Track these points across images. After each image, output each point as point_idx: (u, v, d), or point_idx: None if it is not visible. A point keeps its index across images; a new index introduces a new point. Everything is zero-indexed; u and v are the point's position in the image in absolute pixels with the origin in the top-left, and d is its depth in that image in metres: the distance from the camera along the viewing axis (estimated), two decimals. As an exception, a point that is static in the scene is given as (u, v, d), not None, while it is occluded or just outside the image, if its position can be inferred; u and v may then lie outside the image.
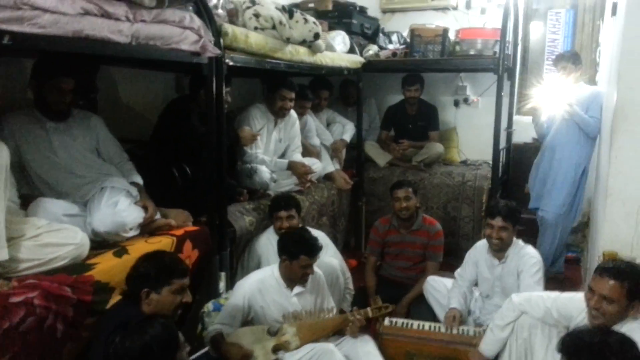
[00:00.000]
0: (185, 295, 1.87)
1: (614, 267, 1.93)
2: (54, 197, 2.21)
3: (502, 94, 3.99)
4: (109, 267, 1.99)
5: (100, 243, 2.18)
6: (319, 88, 4.18)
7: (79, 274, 1.87)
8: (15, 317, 1.63)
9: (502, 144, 4.36)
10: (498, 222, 2.71)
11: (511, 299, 2.33)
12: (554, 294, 2.27)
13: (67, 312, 1.77)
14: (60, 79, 2.24)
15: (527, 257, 2.73)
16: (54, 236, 1.92)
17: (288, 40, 2.99)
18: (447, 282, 3.07)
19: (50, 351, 1.75)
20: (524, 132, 4.78)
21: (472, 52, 4.16)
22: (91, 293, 1.86)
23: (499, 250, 2.77)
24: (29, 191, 2.23)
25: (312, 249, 2.40)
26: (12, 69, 2.48)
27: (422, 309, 3.09)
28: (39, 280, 1.77)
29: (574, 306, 2.09)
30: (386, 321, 2.71)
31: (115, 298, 1.97)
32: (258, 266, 2.86)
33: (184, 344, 1.57)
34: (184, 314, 2.56)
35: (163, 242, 2.27)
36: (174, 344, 1.51)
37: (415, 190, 3.38)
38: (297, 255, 2.38)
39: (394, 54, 4.44)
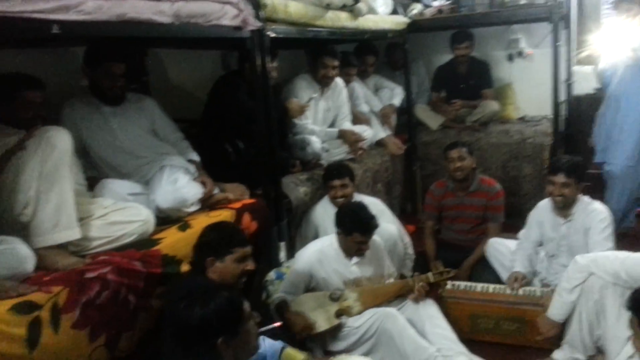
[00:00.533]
0: (248, 263, 1.93)
1: None
2: (118, 178, 2.31)
3: (559, 43, 3.78)
4: (175, 241, 2.07)
5: (164, 219, 2.27)
6: (365, 54, 4.10)
7: (147, 249, 1.96)
8: (92, 292, 1.72)
9: (562, 96, 4.15)
10: (560, 178, 2.58)
11: (576, 260, 2.23)
12: (623, 254, 2.15)
13: (138, 284, 1.86)
14: (110, 64, 2.32)
15: (594, 213, 2.60)
16: (120, 214, 2.01)
17: (328, 7, 2.94)
18: (509, 243, 2.98)
19: (125, 321, 1.85)
20: (584, 82, 4.51)
21: (523, 2, 3.94)
22: (160, 266, 1.95)
23: (563, 207, 2.66)
24: (93, 174, 2.34)
25: (367, 227, 2.38)
26: (65, 59, 2.57)
27: (484, 272, 3.03)
28: (110, 256, 1.87)
29: None
30: (448, 285, 2.68)
31: (185, 268, 2.05)
32: (315, 236, 2.89)
33: (251, 314, 1.57)
34: (249, 283, 2.65)
35: (223, 215, 2.32)
36: (235, 316, 1.50)
37: (470, 151, 3.27)
38: (350, 232, 2.38)
39: (440, 11, 4.27)
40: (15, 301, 1.53)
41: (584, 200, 2.67)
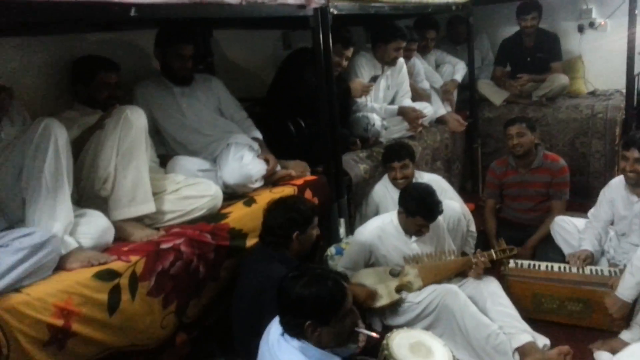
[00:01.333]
0: (317, 229, 2.09)
1: None
2: (187, 155, 2.43)
3: (636, 12, 3.54)
4: (241, 216, 2.17)
5: (231, 195, 2.37)
6: (425, 28, 4.01)
7: (217, 222, 2.07)
8: (166, 262, 1.85)
9: (638, 69, 3.90)
10: (634, 153, 2.46)
11: None
12: None
13: (208, 255, 1.97)
14: (180, 45, 2.43)
15: None
16: (192, 189, 2.13)
17: (391, -19, 2.90)
18: (577, 221, 2.88)
19: (195, 290, 1.97)
20: (662, 54, 4.22)
21: (597, -33, 3.71)
22: (228, 239, 2.05)
23: (636, 184, 2.54)
24: (164, 152, 2.48)
25: (431, 213, 2.37)
26: (138, 42, 2.71)
27: (549, 250, 2.96)
28: (183, 229, 1.99)
29: None
30: (511, 263, 2.64)
31: (251, 242, 2.15)
32: (376, 214, 2.89)
33: (355, 314, 1.63)
34: (312, 258, 2.73)
35: (286, 192, 2.40)
36: (329, 308, 1.53)
37: (533, 126, 3.16)
38: (414, 214, 2.37)
39: (507, -19, 4.10)
40: (98, 269, 1.66)
41: None
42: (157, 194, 2.06)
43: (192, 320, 1.99)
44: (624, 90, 3.80)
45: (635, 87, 3.91)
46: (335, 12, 2.55)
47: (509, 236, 3.08)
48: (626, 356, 1.20)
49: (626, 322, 2.26)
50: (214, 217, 2.12)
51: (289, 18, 2.46)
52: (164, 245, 1.87)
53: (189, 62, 2.48)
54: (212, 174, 2.35)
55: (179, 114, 2.49)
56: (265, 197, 2.31)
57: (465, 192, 4.35)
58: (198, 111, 2.52)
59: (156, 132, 2.47)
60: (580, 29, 4.52)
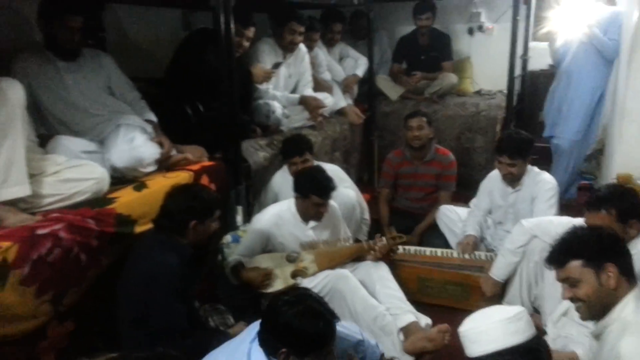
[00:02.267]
0: (216, 224, 2.01)
1: (597, 198, 1.94)
2: (71, 136, 2.26)
3: (518, 18, 3.86)
4: (130, 201, 2.06)
5: (120, 179, 2.25)
6: (332, 21, 4.07)
7: (101, 207, 1.95)
8: (43, 248, 1.71)
9: (518, 71, 4.26)
10: (505, 159, 2.69)
11: (521, 223, 2.36)
12: (565, 219, 2.29)
13: (91, 242, 1.86)
14: (67, 16, 2.23)
15: (542, 182, 2.73)
16: (74, 172, 1.99)
17: (294, -31, 2.90)
18: (460, 210, 3.11)
19: (75, 277, 1.85)
20: (540, 58, 4.66)
21: (486, -25, 3.99)
22: (113, 225, 1.94)
23: (511, 182, 2.79)
24: (46, 131, 2.28)
25: (324, 190, 2.42)
26: (19, 11, 2.46)
27: (434, 237, 3.16)
28: (63, 213, 1.85)
29: None
30: (400, 249, 2.78)
31: (140, 228, 2.06)
32: (274, 202, 2.90)
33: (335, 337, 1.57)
34: (207, 247, 2.67)
35: (181, 177, 2.32)
36: (326, 340, 1.49)
37: (430, 121, 3.35)
38: (308, 194, 2.41)
39: (405, -20, 4.28)
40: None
41: (533, 170, 2.79)
42: (34, 176, 1.89)
43: (68, 307, 1.86)
44: (506, 91, 4.13)
45: (515, 88, 4.26)
46: (238, -7, 2.50)
47: (400, 224, 3.25)
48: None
49: (498, 302, 2.48)
50: (98, 201, 1.99)
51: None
52: (40, 231, 1.73)
53: (76, 35, 2.29)
54: (99, 157, 2.20)
55: (62, 91, 2.30)
56: (158, 182, 2.22)
57: (362, 183, 4.51)
58: (85, 89, 2.34)
59: (36, 109, 2.26)
60: (470, 32, 4.84)
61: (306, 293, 1.61)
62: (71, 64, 2.34)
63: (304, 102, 3.43)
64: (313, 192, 2.40)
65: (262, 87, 3.22)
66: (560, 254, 1.53)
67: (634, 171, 2.77)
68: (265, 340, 1.50)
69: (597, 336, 1.50)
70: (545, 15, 4.07)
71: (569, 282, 1.51)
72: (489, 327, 1.31)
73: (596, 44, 3.58)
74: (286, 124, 3.33)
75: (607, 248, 1.48)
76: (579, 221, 2.13)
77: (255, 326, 1.58)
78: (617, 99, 3.35)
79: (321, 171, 2.48)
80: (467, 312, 2.49)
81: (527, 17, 4.51)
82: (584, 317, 1.53)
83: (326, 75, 3.95)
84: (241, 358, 1.50)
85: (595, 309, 1.49)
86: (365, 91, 4.44)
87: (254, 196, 2.98)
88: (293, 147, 2.91)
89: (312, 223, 2.53)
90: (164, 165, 2.41)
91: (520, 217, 2.70)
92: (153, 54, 3.20)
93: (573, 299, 1.52)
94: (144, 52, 3.22)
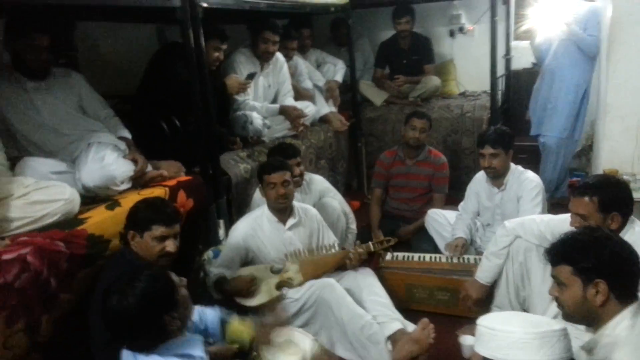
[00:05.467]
0: (168, 244, 1.85)
1: (583, 184, 1.90)
2: (42, 157, 2.21)
3: (496, 18, 3.85)
4: (102, 220, 2.00)
5: (93, 198, 2.19)
6: (299, 27, 4.02)
7: (71, 229, 1.89)
8: (10, 274, 1.65)
9: (501, 71, 4.24)
10: (487, 150, 2.68)
11: (504, 224, 2.32)
12: (547, 217, 2.25)
13: (61, 265, 1.79)
14: (34, 35, 2.19)
15: (526, 182, 2.70)
16: (42, 193, 1.92)
17: (266, -22, 2.87)
18: (448, 214, 3.07)
19: (45, 305, 1.78)
20: (522, 57, 4.66)
21: (463, -24, 3.98)
22: (85, 246, 1.88)
23: (495, 177, 2.75)
24: (17, 153, 2.22)
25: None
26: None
27: (424, 242, 3.12)
28: (31, 237, 1.79)
29: (568, 227, 2.06)
30: (387, 255, 2.73)
31: (114, 248, 1.99)
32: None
33: (180, 280, 1.56)
34: (188, 264, 2.61)
35: (156, 193, 2.26)
36: (168, 287, 1.50)
37: (431, 125, 3.39)
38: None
39: (383, -14, 4.26)
40: None
41: (517, 169, 2.76)
42: (1, 200, 1.83)
43: (48, 337, 1.80)
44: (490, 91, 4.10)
45: (500, 88, 4.24)
46: (205, 4, 2.46)
47: (391, 228, 3.23)
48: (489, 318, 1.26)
49: (486, 306, 2.42)
50: (69, 223, 1.93)
51: (162, 11, 2.33)
52: (6, 256, 1.66)
53: (44, 54, 2.25)
54: (69, 177, 2.14)
55: (32, 111, 2.25)
56: (132, 200, 2.14)
57: (351, 190, 4.47)
58: (54, 108, 2.29)
59: (5, 131, 2.22)
60: (452, 34, 4.84)
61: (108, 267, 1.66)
62: (40, 83, 2.30)
63: (284, 111, 3.39)
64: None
65: (240, 98, 3.18)
66: (555, 253, 1.48)
67: (620, 166, 2.75)
68: (146, 337, 1.45)
69: (589, 350, 1.43)
70: (525, 13, 4.07)
71: (557, 281, 1.46)
72: (525, 337, 1.17)
73: (576, 40, 3.56)
74: (267, 135, 3.29)
75: (604, 264, 1.38)
76: (564, 217, 2.09)
77: None
78: (599, 95, 3.33)
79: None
80: (457, 318, 2.50)
81: (507, 16, 4.52)
82: (564, 319, 1.48)
83: (307, 84, 3.92)
84: None
85: (574, 318, 1.44)
86: (349, 98, 4.41)
87: (236, 209, 2.92)
88: (284, 153, 2.78)
89: (289, 222, 2.48)
90: (139, 182, 2.35)
91: (507, 218, 2.66)
92: (128, 70, 3.15)
93: (557, 300, 1.47)
94: (119, 68, 3.18)
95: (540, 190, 2.68)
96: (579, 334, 1.51)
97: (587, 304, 1.38)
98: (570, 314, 1.44)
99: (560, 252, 1.46)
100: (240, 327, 1.85)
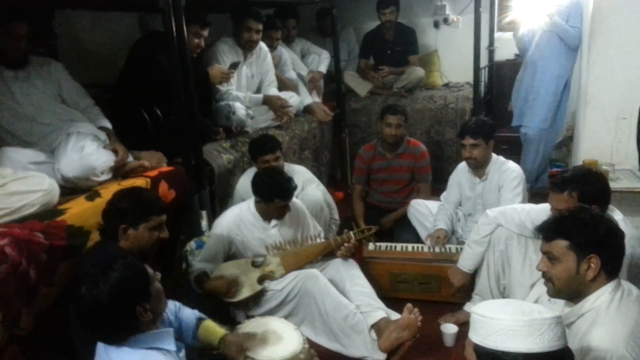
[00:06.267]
0: (162, 232, 1.88)
1: (562, 179, 1.92)
2: (21, 147, 2.17)
3: (480, 9, 3.85)
4: (82, 211, 1.98)
5: (73, 189, 2.16)
6: (285, 17, 3.99)
7: (51, 220, 1.86)
8: (-13, 266, 1.63)
9: (484, 62, 4.26)
10: (468, 140, 2.70)
11: (486, 213, 2.34)
12: (528, 206, 2.28)
13: (40, 257, 1.77)
14: (11, 24, 2.15)
15: (507, 172, 2.73)
16: (20, 184, 1.89)
17: (249, -34, 2.84)
18: (430, 204, 3.09)
19: (25, 297, 1.76)
20: (506, 48, 4.69)
21: (447, -34, 3.97)
22: (64, 238, 1.86)
23: (477, 167, 2.77)
24: (-8, 143, 2.19)
25: (286, 192, 2.37)
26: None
27: (406, 232, 3.14)
28: (9, 228, 1.76)
29: (547, 216, 2.09)
30: (370, 245, 2.75)
31: (94, 240, 1.97)
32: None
33: (154, 275, 1.54)
34: (171, 254, 2.59)
35: (137, 184, 2.24)
36: (142, 278, 1.47)
37: (407, 119, 3.33)
38: (271, 199, 2.36)
39: (367, -25, 4.24)
40: None
41: (499, 160, 2.79)
42: (-22, 191, 1.81)
43: (27, 330, 1.77)
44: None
45: (482, 79, 4.26)
46: (188, -8, 2.43)
47: (376, 220, 3.23)
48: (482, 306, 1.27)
49: (468, 294, 2.46)
50: (49, 214, 1.90)
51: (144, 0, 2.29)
52: (-17, 248, 1.64)
53: (22, 43, 2.21)
54: (49, 167, 2.11)
55: (10, 100, 2.21)
56: (112, 191, 2.09)
57: (335, 181, 4.48)
58: (33, 97, 2.25)
59: (-17, 121, 2.18)
60: (436, 25, 4.85)
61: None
62: (19, 72, 2.26)
63: (268, 101, 3.37)
64: (276, 197, 2.35)
65: (223, 88, 3.15)
66: (551, 229, 1.50)
67: (599, 157, 2.79)
68: (117, 327, 1.43)
69: (569, 325, 1.47)
70: (509, 4, 4.09)
71: (549, 256, 1.49)
72: (514, 324, 1.15)
73: (558, 32, 3.59)
74: (251, 125, 3.27)
75: (599, 240, 1.43)
76: (544, 207, 2.12)
77: None
78: (580, 87, 3.36)
79: (278, 173, 2.44)
80: (440, 304, 2.53)
81: (491, 7, 4.53)
82: (550, 294, 1.52)
83: (291, 74, 3.89)
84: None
85: (562, 292, 1.48)
86: (334, 89, 4.40)
87: (219, 201, 2.91)
88: (264, 145, 2.84)
89: (274, 222, 2.48)
90: (120, 173, 2.33)
91: (488, 207, 2.69)
92: (110, 59, 3.10)
93: (545, 274, 1.50)
94: (100, 57, 3.13)
95: (521, 180, 2.71)
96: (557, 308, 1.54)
97: (578, 278, 1.43)
98: (559, 289, 1.48)
99: (557, 228, 1.49)
100: (213, 327, 1.82)
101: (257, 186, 2.40)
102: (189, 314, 1.85)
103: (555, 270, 1.47)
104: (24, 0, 2.18)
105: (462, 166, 2.93)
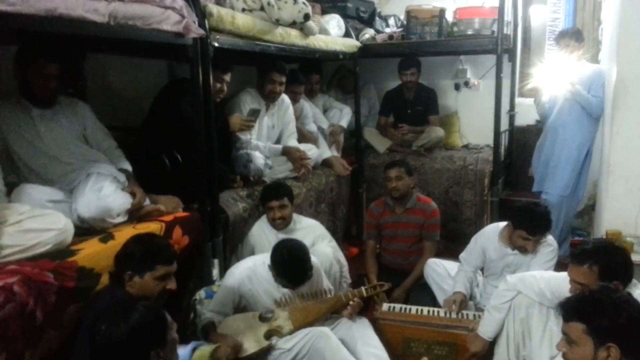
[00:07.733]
0: (169, 282, 1.85)
1: (582, 251, 1.86)
2: (41, 185, 2.18)
3: (502, 75, 3.91)
4: (94, 253, 1.94)
5: (88, 230, 2.14)
6: (309, 72, 4.07)
7: (62, 260, 1.83)
8: (-6, 303, 1.59)
9: (505, 126, 4.27)
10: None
11: (506, 279, 2.27)
12: (548, 274, 2.21)
13: (48, 298, 1.73)
14: (43, 63, 2.20)
15: (545, 244, 2.63)
16: (36, 221, 1.87)
17: (277, 22, 2.92)
18: (447, 264, 3.00)
19: (30, 338, 1.71)
20: (527, 114, 4.70)
21: (469, 32, 4.06)
22: (74, 279, 1.82)
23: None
24: (16, 179, 2.20)
25: (297, 279, 2.29)
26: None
27: (422, 293, 3.04)
28: (20, 266, 1.73)
29: (567, 286, 2.00)
30: (384, 306, 2.66)
31: (105, 283, 1.93)
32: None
33: (172, 323, 1.52)
34: (179, 302, 2.53)
35: (151, 228, 2.22)
36: (162, 324, 1.46)
37: (410, 171, 3.30)
38: (281, 276, 2.31)
39: (391, 37, 4.35)
40: None
41: None
42: (-6, 226, 1.80)
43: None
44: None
45: (502, 143, 4.26)
46: (217, 44, 2.50)
47: (389, 280, 3.11)
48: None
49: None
50: (61, 253, 1.87)
51: (173, 48, 2.36)
52: (-8, 284, 1.61)
53: (52, 82, 2.26)
54: (66, 206, 2.10)
55: (35, 138, 2.24)
56: (126, 234, 2.10)
57: (350, 237, 4.42)
58: (58, 136, 2.28)
59: (8, 156, 2.20)
60: (457, 87, 4.91)
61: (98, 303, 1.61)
62: (46, 111, 2.29)
63: (287, 152, 3.38)
64: (285, 278, 2.30)
65: (244, 137, 3.18)
66: (570, 308, 1.43)
67: (623, 228, 2.71)
68: None
69: None
70: (530, 72, 4.14)
71: (567, 338, 1.41)
72: None
73: (580, 100, 3.60)
74: (269, 175, 3.27)
75: (620, 328, 1.34)
76: (564, 276, 2.04)
77: None
78: (602, 156, 3.33)
79: (299, 259, 2.30)
80: None
81: (513, 73, 4.59)
82: None
83: (312, 127, 3.93)
84: None
85: None
86: (353, 144, 4.43)
87: (231, 249, 2.87)
88: (270, 191, 2.85)
89: None
90: (136, 216, 2.31)
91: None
92: (136, 104, 3.17)
93: (564, 356, 1.42)
94: (127, 101, 3.19)
95: (555, 255, 2.62)
96: None
97: None
98: None
99: (575, 308, 1.42)
100: (204, 349, 1.80)
101: (275, 257, 2.31)
102: (185, 351, 1.82)
103: (572, 354, 1.38)
104: (57, 41, 2.24)
105: (491, 231, 2.80)
